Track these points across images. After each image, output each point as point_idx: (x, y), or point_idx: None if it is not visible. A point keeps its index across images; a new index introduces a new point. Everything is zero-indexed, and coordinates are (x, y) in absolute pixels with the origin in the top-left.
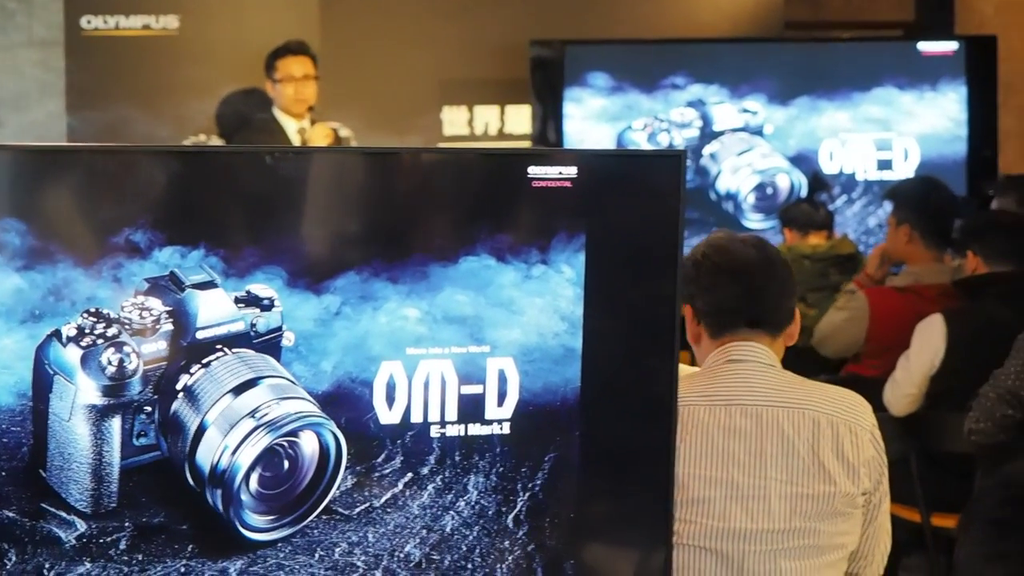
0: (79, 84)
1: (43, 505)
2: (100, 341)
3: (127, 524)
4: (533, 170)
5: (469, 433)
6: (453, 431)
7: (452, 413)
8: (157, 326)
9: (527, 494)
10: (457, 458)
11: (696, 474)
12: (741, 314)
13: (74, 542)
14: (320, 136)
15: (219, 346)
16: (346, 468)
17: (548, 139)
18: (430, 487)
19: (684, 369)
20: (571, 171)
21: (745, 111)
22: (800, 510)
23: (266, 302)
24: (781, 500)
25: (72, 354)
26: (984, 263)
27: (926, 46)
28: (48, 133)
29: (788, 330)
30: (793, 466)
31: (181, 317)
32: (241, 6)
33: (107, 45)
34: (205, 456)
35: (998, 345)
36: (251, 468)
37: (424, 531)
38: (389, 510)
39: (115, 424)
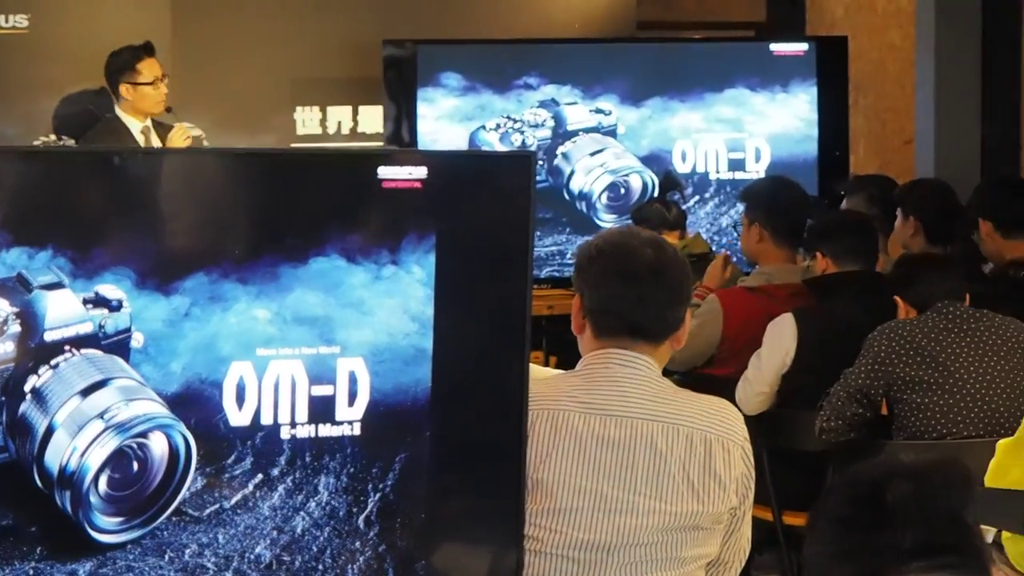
0: None
1: None
2: None
3: None
4: (383, 171)
5: (320, 434)
6: (303, 432)
7: (303, 414)
8: (4, 327)
9: (378, 495)
10: (308, 459)
11: (566, 483)
12: (625, 319)
13: None
14: (179, 138)
15: (67, 347)
16: (196, 469)
17: (402, 139)
18: (280, 488)
19: (548, 371)
20: (421, 172)
21: (598, 111)
22: (666, 526)
23: (115, 303)
24: (648, 515)
25: None
26: (833, 263)
27: (778, 47)
28: None
29: (676, 335)
30: (663, 483)
31: (29, 318)
32: (92, 5)
33: None
34: (54, 458)
35: (848, 344)
36: (100, 470)
37: (275, 532)
38: (239, 511)
39: None
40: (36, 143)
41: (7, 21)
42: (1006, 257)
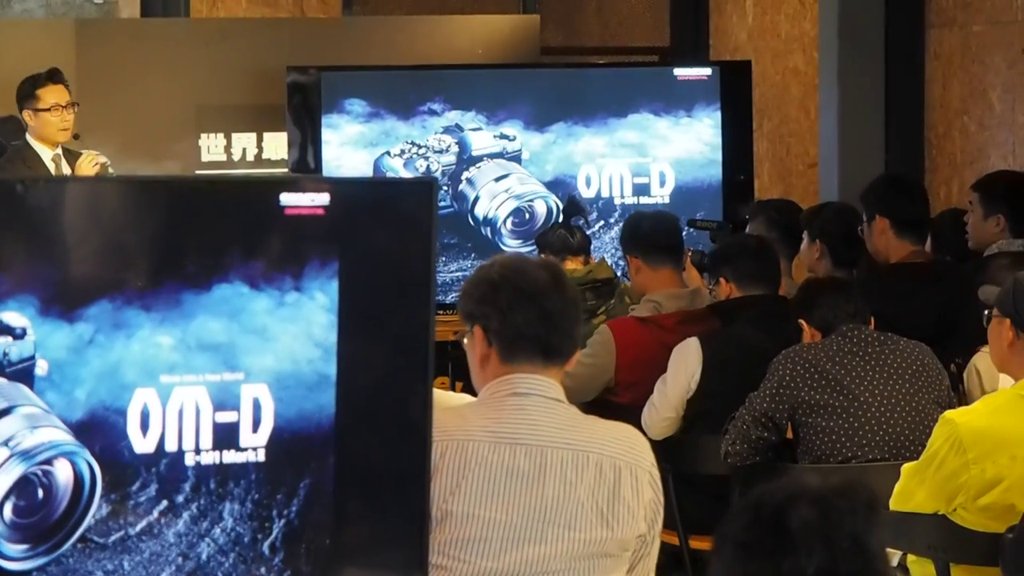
0: None
1: None
2: None
3: None
4: (285, 197)
5: (224, 460)
6: (208, 458)
7: (207, 440)
8: None
9: (283, 520)
10: (212, 485)
11: (475, 514)
12: (538, 341)
13: None
14: (88, 164)
15: None
16: (101, 496)
17: (307, 165)
18: (185, 515)
19: (455, 397)
20: (323, 199)
21: (502, 137)
22: (575, 553)
23: (18, 331)
24: (558, 543)
25: None
26: (737, 287)
27: (681, 71)
28: None
29: (574, 358)
30: (572, 511)
31: None
32: None
33: None
34: None
35: (752, 368)
36: (5, 497)
37: (180, 559)
38: (145, 538)
39: None
40: None
41: None
42: (891, 259)
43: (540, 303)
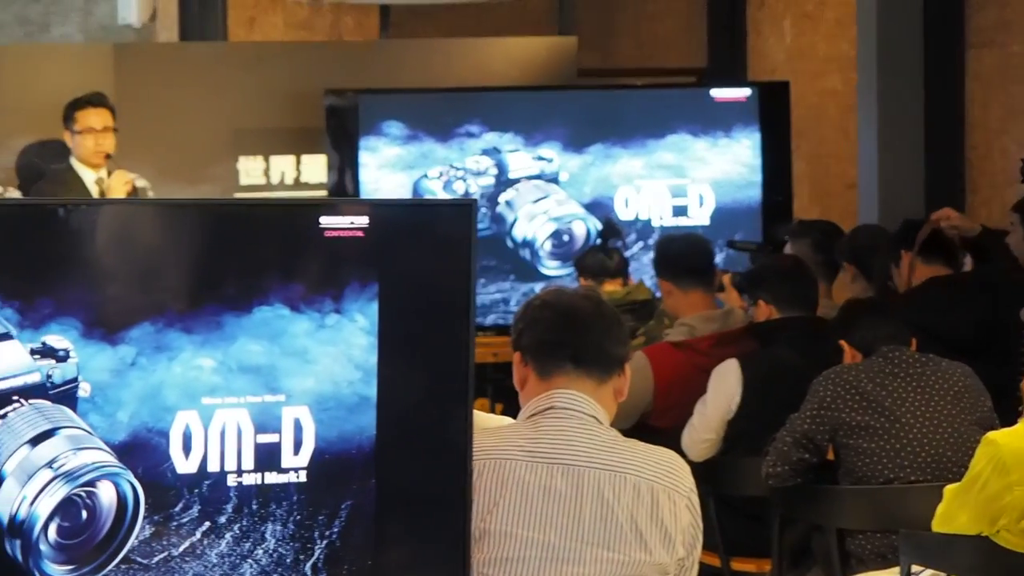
0: None
1: None
2: None
3: None
4: (325, 220)
5: (266, 482)
6: (250, 480)
7: (249, 462)
8: None
9: (324, 542)
10: (254, 507)
11: (512, 533)
12: (563, 347)
13: None
14: (119, 183)
15: (15, 397)
16: (144, 517)
17: (345, 188)
18: (228, 536)
19: (494, 419)
20: (363, 221)
21: (540, 158)
22: (613, 574)
23: (61, 353)
24: (595, 564)
25: None
26: (776, 309)
27: (719, 92)
28: None
29: (616, 383)
30: (610, 531)
31: None
32: (35, 58)
33: None
34: (3, 507)
35: (791, 389)
36: (50, 518)
37: None
38: (187, 559)
39: None
40: None
41: None
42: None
43: (567, 313)
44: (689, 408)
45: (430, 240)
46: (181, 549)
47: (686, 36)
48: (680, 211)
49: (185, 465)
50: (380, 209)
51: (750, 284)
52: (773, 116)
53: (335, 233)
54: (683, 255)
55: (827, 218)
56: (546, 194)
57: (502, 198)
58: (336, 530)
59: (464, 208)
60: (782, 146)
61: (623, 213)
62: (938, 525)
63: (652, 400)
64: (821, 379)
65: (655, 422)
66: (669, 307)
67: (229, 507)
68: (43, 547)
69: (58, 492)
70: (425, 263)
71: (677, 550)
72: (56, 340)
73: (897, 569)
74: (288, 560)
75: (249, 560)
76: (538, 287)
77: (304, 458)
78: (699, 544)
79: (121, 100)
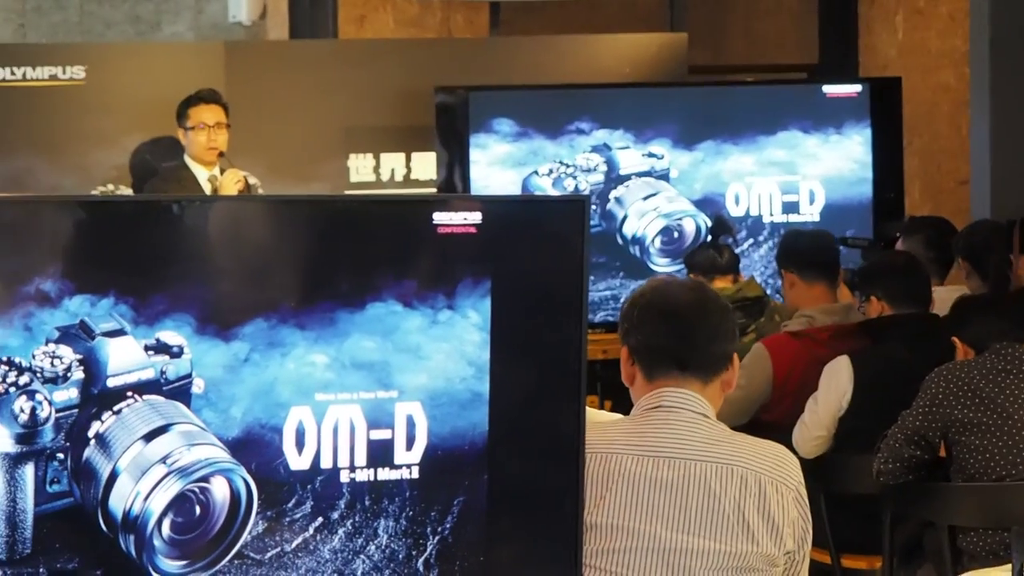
0: None
1: None
2: (12, 389)
3: (41, 570)
4: (438, 216)
5: (378, 478)
6: (362, 476)
7: (361, 458)
8: (68, 374)
9: (437, 538)
10: (367, 502)
11: (619, 525)
12: (669, 353)
13: None
14: (230, 182)
15: (130, 393)
16: (257, 513)
17: (454, 185)
18: (340, 531)
19: (604, 415)
20: (476, 217)
21: (650, 155)
22: (720, 566)
23: (175, 349)
24: (702, 556)
25: None
26: (889, 306)
27: (830, 88)
28: None
29: (723, 376)
30: (717, 523)
31: (92, 365)
32: (147, 56)
33: (15, 95)
34: (118, 502)
35: (903, 386)
36: (163, 514)
37: (335, 575)
38: (300, 554)
39: (28, 471)
40: (94, 193)
41: (64, 72)
42: None
43: (673, 318)
44: (802, 398)
45: (542, 237)
46: (294, 545)
47: (797, 33)
48: (791, 208)
49: (298, 461)
50: (493, 206)
51: (863, 280)
52: (885, 112)
53: (448, 230)
54: (811, 248)
55: (939, 215)
56: (656, 191)
57: (612, 195)
58: (448, 526)
59: (577, 204)
60: (894, 142)
61: (733, 210)
62: None
63: (770, 391)
64: (933, 376)
65: (765, 415)
66: (791, 299)
67: (342, 503)
68: (157, 542)
69: (172, 488)
70: (537, 260)
71: (785, 543)
72: (170, 336)
73: (1009, 566)
74: (400, 556)
75: (361, 556)
76: None
77: (417, 454)
78: (809, 539)
79: (232, 98)
